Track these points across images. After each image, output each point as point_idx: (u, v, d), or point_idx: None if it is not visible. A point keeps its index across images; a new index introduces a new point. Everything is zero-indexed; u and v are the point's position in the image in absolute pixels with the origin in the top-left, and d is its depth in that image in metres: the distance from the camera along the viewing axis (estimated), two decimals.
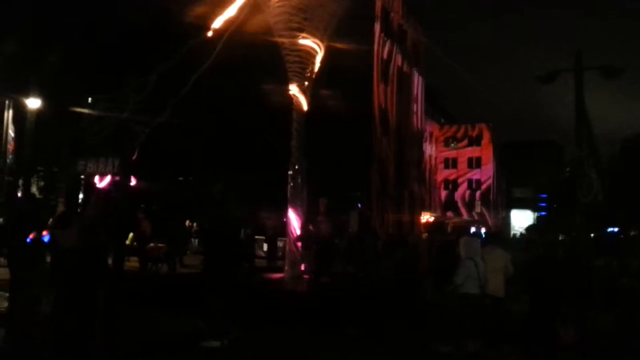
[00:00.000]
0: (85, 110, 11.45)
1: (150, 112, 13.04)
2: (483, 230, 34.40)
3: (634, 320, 7.75)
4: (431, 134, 52.82)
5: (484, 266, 7.07)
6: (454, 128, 59.97)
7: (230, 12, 13.48)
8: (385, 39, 28.85)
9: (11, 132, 23.57)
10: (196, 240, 23.71)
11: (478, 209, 57.31)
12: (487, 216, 55.68)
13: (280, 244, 17.45)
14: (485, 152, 58.57)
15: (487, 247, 7.58)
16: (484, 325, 7.03)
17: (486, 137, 58.48)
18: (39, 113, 24.09)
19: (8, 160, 23.44)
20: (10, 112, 24.52)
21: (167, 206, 27.51)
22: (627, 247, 11.01)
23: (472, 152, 58.92)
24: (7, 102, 24.43)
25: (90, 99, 11.50)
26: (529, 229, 8.97)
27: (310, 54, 13.66)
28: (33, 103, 24.86)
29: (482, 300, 7.03)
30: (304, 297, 10.70)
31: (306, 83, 13.85)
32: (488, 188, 57.95)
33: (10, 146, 23.84)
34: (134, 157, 10.70)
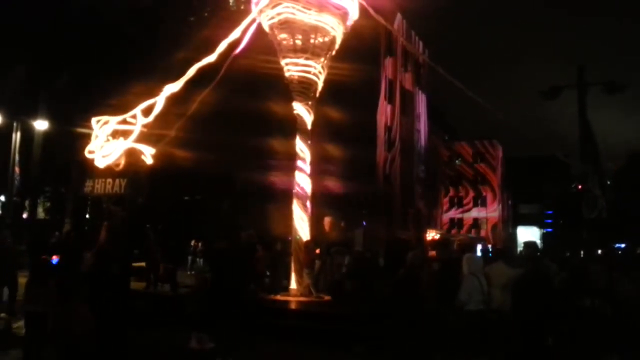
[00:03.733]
0: (93, 132, 11.61)
1: (157, 132, 13.23)
2: (490, 247, 34.21)
3: None
4: (436, 150, 52.91)
5: (486, 282, 7.09)
6: (459, 144, 60.05)
7: (234, 34, 13.72)
8: (390, 58, 29.14)
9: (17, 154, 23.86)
10: (201, 260, 23.74)
11: (484, 226, 57.10)
12: (494, 233, 55.42)
13: None
14: (492, 168, 58.51)
15: (492, 263, 7.61)
16: (490, 341, 7.02)
17: (494, 153, 58.48)
18: (46, 134, 24.43)
19: (16, 182, 23.69)
20: (18, 134, 24.87)
21: (173, 225, 27.62)
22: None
23: (478, 169, 58.89)
24: (15, 124, 24.79)
25: (98, 120, 11.66)
26: (526, 245, 8.87)
27: (313, 74, 13.83)
28: (40, 125, 25.19)
29: (487, 316, 7.03)
30: (309, 314, 10.68)
31: (310, 102, 14.00)
32: (495, 206, 57.79)
33: (17, 168, 24.11)
34: (141, 177, 10.82)
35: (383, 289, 8.73)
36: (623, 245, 27.35)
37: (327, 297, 12.40)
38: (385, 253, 13.65)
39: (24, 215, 30.85)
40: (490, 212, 55.34)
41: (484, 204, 57.85)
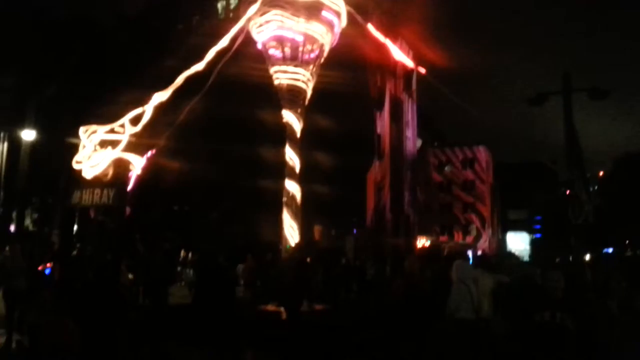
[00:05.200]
0: (81, 142, 11.51)
1: (145, 141, 13.16)
2: (479, 253, 34.35)
3: None
4: (424, 158, 53.11)
5: (476, 290, 7.07)
6: (448, 151, 60.33)
7: (223, 42, 13.73)
8: (379, 67, 29.28)
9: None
10: (191, 271, 23.56)
11: (474, 232, 57.30)
12: (483, 239, 55.62)
13: None
14: (482, 174, 58.79)
15: (477, 270, 7.58)
16: (480, 350, 7.00)
17: (482, 159, 58.76)
18: (33, 144, 24.20)
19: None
20: (5, 144, 24.62)
21: (161, 236, 27.41)
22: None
23: (467, 175, 59.16)
24: (1, 134, 24.55)
25: (86, 130, 11.56)
26: (508, 255, 8.98)
27: (302, 82, 13.87)
28: (28, 135, 24.95)
29: (477, 325, 7.01)
30: (307, 325, 10.60)
31: (299, 110, 14.02)
32: (483, 211, 58.03)
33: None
34: (129, 188, 10.73)
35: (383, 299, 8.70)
36: (611, 250, 27.59)
37: (318, 307, 12.34)
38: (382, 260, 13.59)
39: (11, 227, 30.50)
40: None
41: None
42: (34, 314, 6.56)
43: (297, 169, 13.94)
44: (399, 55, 22.44)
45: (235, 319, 7.89)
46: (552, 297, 5.28)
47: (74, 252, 12.44)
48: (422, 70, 20.00)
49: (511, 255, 8.91)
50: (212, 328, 7.19)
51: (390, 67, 30.90)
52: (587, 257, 18.15)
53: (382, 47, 25.34)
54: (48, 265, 10.36)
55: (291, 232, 13.60)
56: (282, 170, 14.22)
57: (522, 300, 6.53)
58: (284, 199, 13.91)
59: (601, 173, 61.07)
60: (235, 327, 7.55)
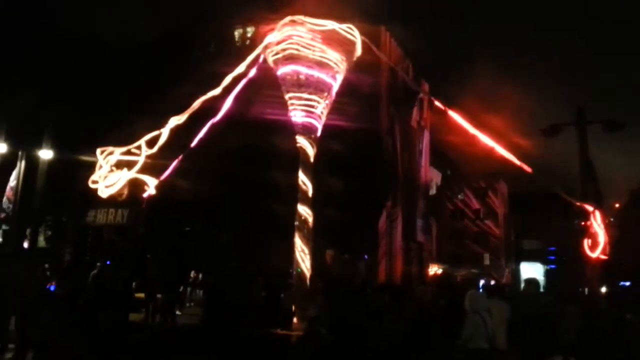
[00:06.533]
0: (97, 161, 11.70)
1: (160, 163, 13.33)
2: (492, 282, 33.85)
3: None
4: (437, 185, 52.89)
5: (490, 320, 6.96)
6: (461, 180, 59.98)
7: (239, 69, 13.99)
8: (391, 94, 29.53)
9: (12, 182, 23.86)
10: (200, 291, 23.49)
11: (487, 261, 56.53)
12: (496, 269, 54.80)
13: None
14: (496, 204, 58.23)
15: (491, 300, 7.48)
16: None
17: (497, 189, 58.22)
18: (50, 163, 24.58)
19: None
20: (23, 163, 25.01)
21: (173, 256, 27.39)
22: None
23: (481, 204, 58.62)
24: (19, 153, 24.96)
25: (102, 151, 11.76)
26: (527, 282, 8.73)
27: (316, 107, 14.01)
28: (45, 154, 25.37)
29: (491, 355, 6.89)
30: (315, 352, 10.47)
31: (312, 135, 14.14)
32: (497, 241, 57.32)
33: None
34: (143, 207, 10.86)
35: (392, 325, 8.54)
36: (628, 283, 27.04)
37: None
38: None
39: (25, 244, 30.77)
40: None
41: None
42: (40, 331, 6.56)
43: (310, 194, 13.99)
44: (413, 85, 22.62)
45: (244, 340, 7.84)
46: (564, 340, 4.97)
47: (86, 270, 12.48)
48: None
49: (531, 282, 8.70)
50: (221, 348, 7.16)
51: (402, 95, 31.16)
52: (603, 289, 17.80)
53: (397, 77, 25.53)
54: (52, 283, 10.40)
55: (302, 256, 13.57)
56: (294, 194, 14.27)
57: (533, 340, 6.38)
58: (296, 222, 13.92)
59: (617, 205, 60.26)
60: (244, 347, 7.51)
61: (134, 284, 13.29)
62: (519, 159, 13.85)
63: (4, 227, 23.65)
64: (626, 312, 8.80)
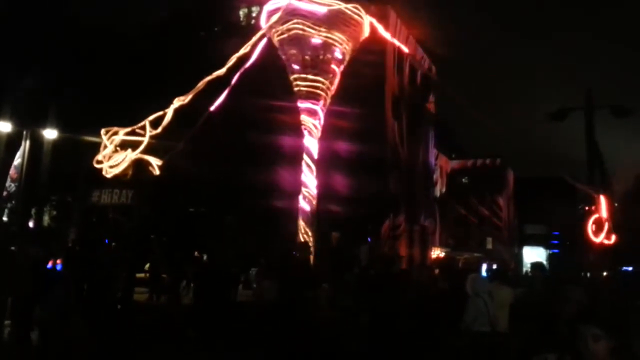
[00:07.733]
0: (102, 141, 11.68)
1: (164, 143, 13.29)
2: (494, 266, 33.93)
3: None
4: (441, 169, 52.77)
5: (492, 303, 6.96)
6: (465, 162, 59.78)
7: (244, 49, 13.87)
8: (397, 76, 29.29)
9: (17, 161, 23.90)
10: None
11: (490, 245, 56.62)
12: (500, 252, 54.95)
13: None
14: (500, 187, 58.12)
15: (493, 283, 7.47)
16: None
17: (502, 174, 58.07)
18: (54, 143, 24.59)
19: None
20: (27, 142, 25.02)
21: (177, 237, 27.56)
22: None
23: (485, 188, 58.50)
24: (24, 132, 24.97)
25: (107, 131, 11.72)
26: (533, 266, 8.68)
27: (321, 90, 13.94)
28: (50, 134, 25.38)
29: (493, 338, 6.91)
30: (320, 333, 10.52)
31: (318, 115, 14.09)
32: (500, 225, 57.39)
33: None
34: (148, 188, 10.87)
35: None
36: (631, 269, 27.01)
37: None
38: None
39: (30, 223, 30.98)
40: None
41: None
42: (45, 310, 6.61)
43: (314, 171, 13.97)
44: (419, 64, 22.41)
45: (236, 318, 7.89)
46: (561, 332, 4.67)
47: (91, 250, 12.55)
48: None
49: (537, 267, 8.61)
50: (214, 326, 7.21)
51: (408, 77, 30.91)
52: (605, 274, 17.79)
53: (403, 58, 25.24)
54: (59, 261, 10.46)
55: (306, 238, 13.62)
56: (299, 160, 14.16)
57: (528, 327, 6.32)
58: (299, 205, 13.95)
59: (622, 190, 59.98)
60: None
61: (138, 264, 13.39)
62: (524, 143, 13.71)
63: (9, 204, 23.75)
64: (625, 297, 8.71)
